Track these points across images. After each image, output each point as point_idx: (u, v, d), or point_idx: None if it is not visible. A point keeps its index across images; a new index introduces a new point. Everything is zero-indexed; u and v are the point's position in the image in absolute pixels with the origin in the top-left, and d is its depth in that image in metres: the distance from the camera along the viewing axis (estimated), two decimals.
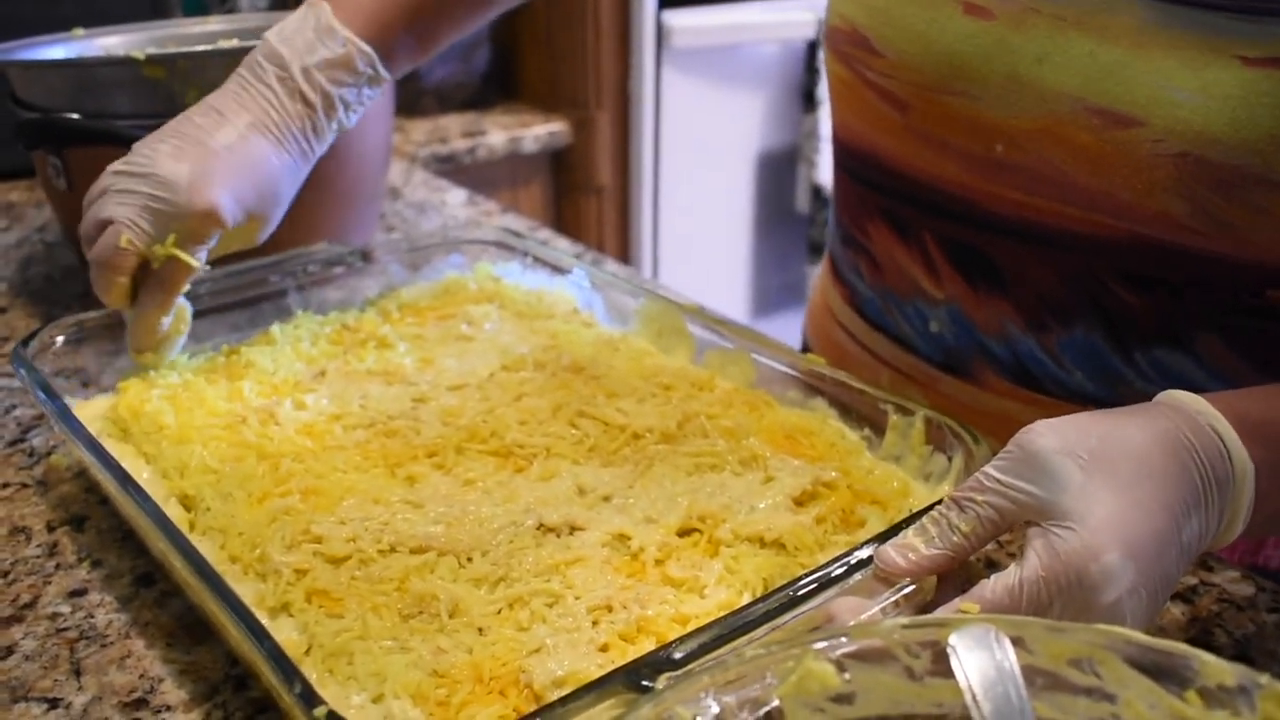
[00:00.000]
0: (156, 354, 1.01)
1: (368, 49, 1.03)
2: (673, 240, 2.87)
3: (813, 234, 3.01)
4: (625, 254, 2.84)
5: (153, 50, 1.21)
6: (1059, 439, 0.64)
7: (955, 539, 0.65)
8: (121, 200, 0.96)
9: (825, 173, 2.94)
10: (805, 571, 0.68)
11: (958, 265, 0.92)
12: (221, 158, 0.98)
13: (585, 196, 2.72)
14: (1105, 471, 0.62)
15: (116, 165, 0.98)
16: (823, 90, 2.89)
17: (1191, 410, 0.66)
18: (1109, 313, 0.85)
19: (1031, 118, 0.82)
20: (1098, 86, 0.78)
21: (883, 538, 0.68)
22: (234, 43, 1.30)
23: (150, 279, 0.98)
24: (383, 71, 1.06)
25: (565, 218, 2.73)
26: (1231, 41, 0.73)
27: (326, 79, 1.02)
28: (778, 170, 3.01)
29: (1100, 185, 0.80)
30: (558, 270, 1.17)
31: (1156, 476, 0.63)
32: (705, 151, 2.85)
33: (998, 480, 0.64)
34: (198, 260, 0.97)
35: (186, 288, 1.00)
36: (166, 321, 0.99)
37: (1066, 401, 0.90)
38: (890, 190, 0.96)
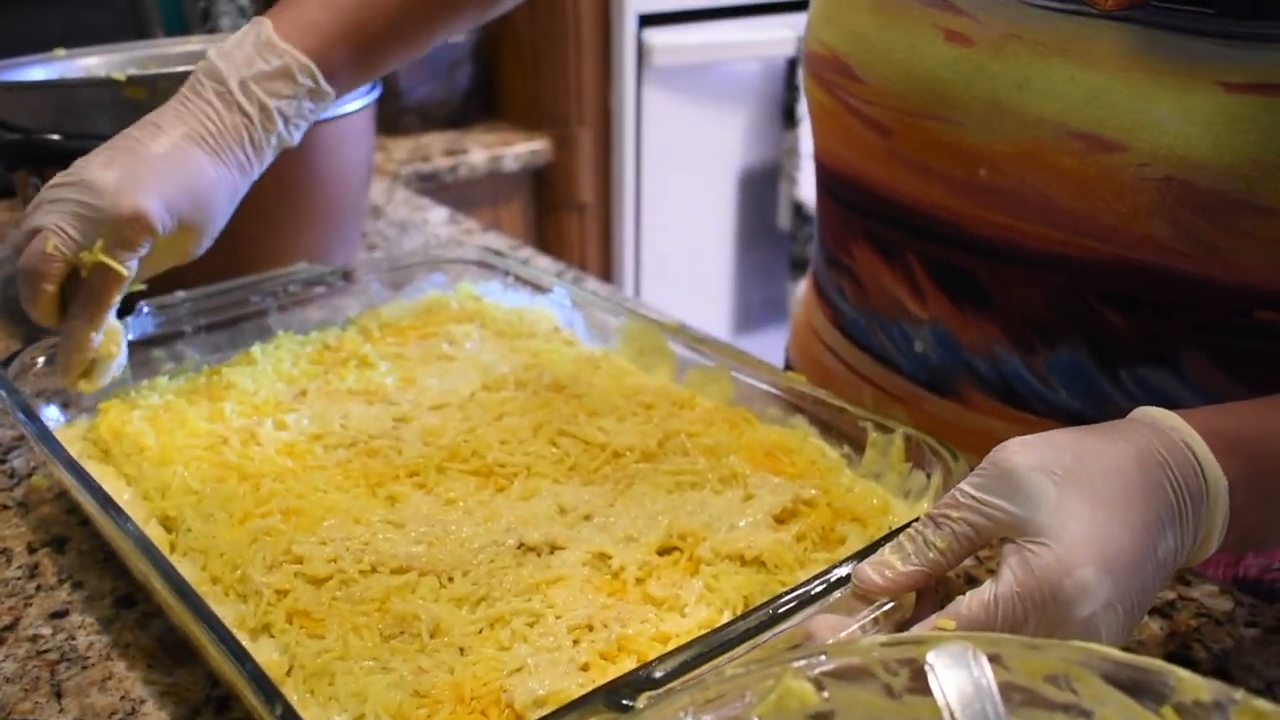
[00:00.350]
0: (89, 379, 0.98)
1: (307, 61, 1.02)
2: (655, 257, 2.88)
3: (794, 250, 3.01)
4: (608, 271, 2.84)
5: (134, 71, 1.21)
6: (1034, 456, 0.64)
7: (932, 556, 0.65)
8: (50, 209, 0.95)
9: (807, 189, 2.95)
10: (785, 590, 0.68)
11: (943, 286, 0.92)
12: (153, 165, 0.97)
13: (567, 214, 2.72)
14: (1080, 488, 0.63)
15: (52, 180, 0.97)
16: (803, 108, 2.90)
17: (1165, 426, 0.66)
18: (1094, 333, 0.85)
19: (1013, 143, 0.82)
20: (1080, 112, 0.78)
21: (862, 555, 0.69)
22: None
23: (80, 291, 0.96)
24: (324, 85, 1.05)
25: (547, 236, 2.74)
26: (1212, 67, 0.73)
27: (264, 91, 1.02)
28: (759, 187, 3.02)
29: (1084, 209, 0.81)
30: (539, 289, 1.17)
31: (1131, 493, 0.63)
32: (687, 169, 2.86)
33: (973, 497, 0.64)
34: (128, 269, 0.95)
35: (116, 301, 0.97)
36: (97, 339, 0.96)
37: (1053, 419, 0.90)
38: (874, 213, 0.96)
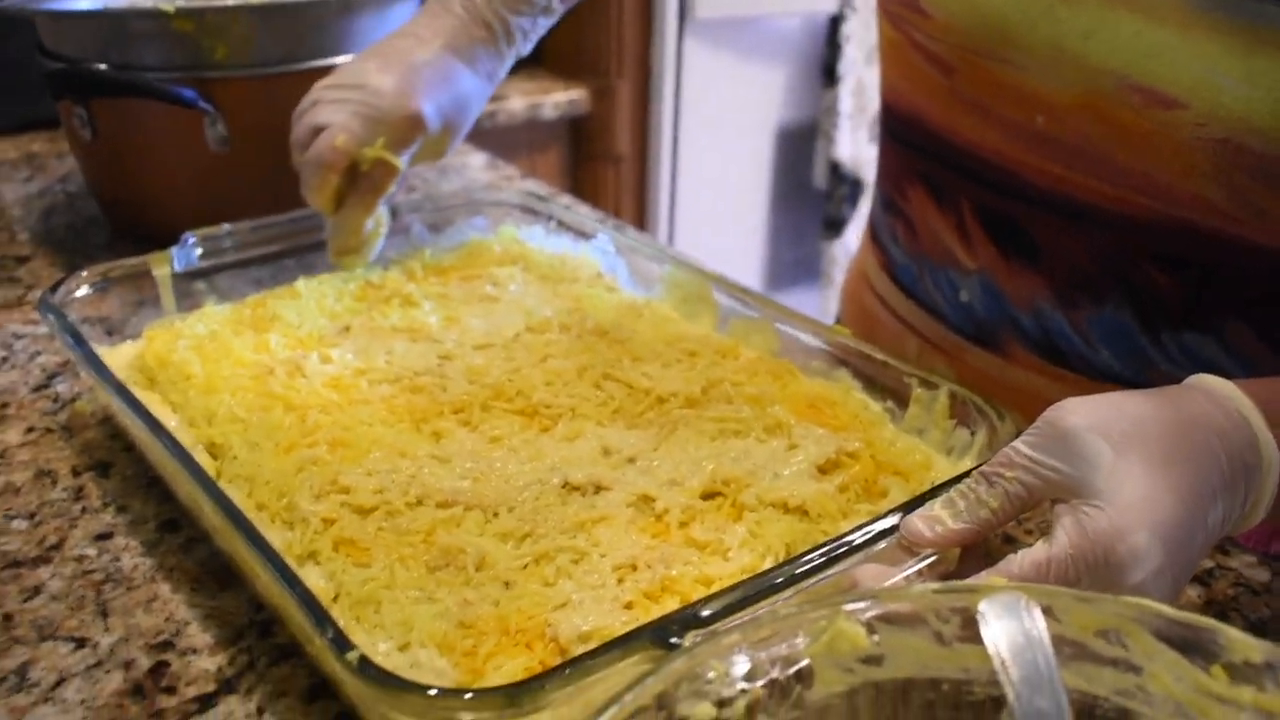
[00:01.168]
0: (359, 255, 1.11)
1: None
2: (689, 211, 2.87)
3: (829, 209, 3.01)
4: (641, 224, 2.84)
5: (182, 3, 1.21)
6: (1091, 417, 0.64)
7: (983, 514, 0.65)
8: (335, 108, 1.06)
9: (844, 149, 2.94)
10: (831, 537, 0.68)
11: (992, 235, 0.92)
12: (423, 73, 1.08)
13: (603, 165, 2.72)
14: (1137, 452, 0.62)
15: (325, 81, 1.09)
16: (844, 66, 2.89)
17: (1222, 395, 0.66)
18: (1140, 293, 0.85)
19: (1074, 92, 0.82)
20: (1142, 66, 0.78)
21: (907, 508, 0.69)
22: None
23: (360, 182, 1.08)
24: (555, 2, 1.15)
25: (582, 186, 2.73)
26: (1277, 32, 0.72)
27: (505, 8, 1.12)
28: (796, 145, 3.01)
29: (1138, 164, 0.80)
30: (581, 235, 1.17)
31: (1187, 460, 0.63)
32: (724, 124, 2.85)
33: (1028, 456, 0.64)
34: (402, 164, 1.07)
35: (391, 190, 1.09)
36: (370, 224, 1.10)
37: (1092, 380, 0.90)
38: (931, 154, 0.96)
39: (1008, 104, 0.86)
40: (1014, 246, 0.91)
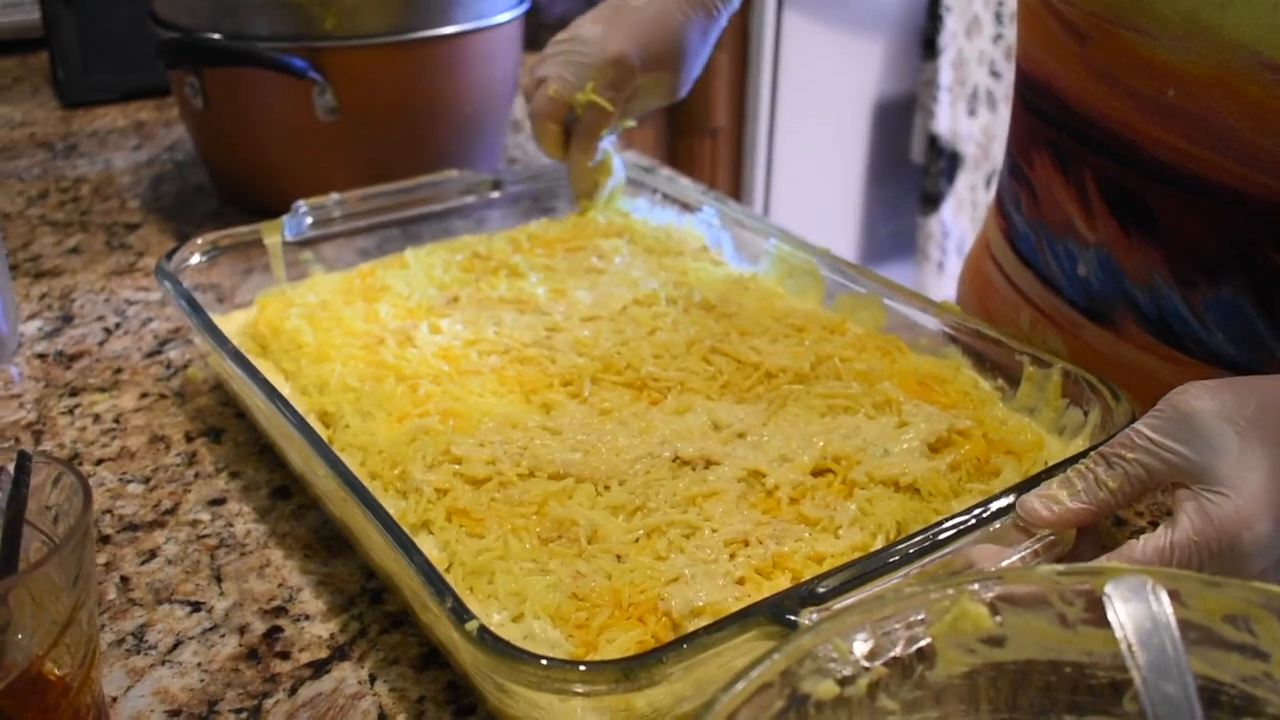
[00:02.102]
0: (590, 199, 1.19)
1: None
2: (785, 184, 2.86)
3: (926, 184, 2.98)
4: (738, 196, 2.83)
5: None
6: (1216, 403, 0.63)
7: (1101, 494, 0.64)
8: (551, 61, 1.15)
9: (942, 122, 2.91)
10: (944, 516, 0.68)
11: (1113, 207, 0.91)
12: (630, 15, 1.14)
13: (700, 137, 2.71)
14: (1263, 440, 0.61)
15: (554, 38, 1.18)
16: (944, 39, 2.86)
17: None
18: (1259, 275, 0.83)
19: (1207, 65, 0.79)
20: (1276, 41, 0.75)
21: (1021, 488, 0.68)
22: None
23: (576, 127, 1.15)
24: None
25: (679, 157, 2.73)
26: None
27: None
28: (894, 118, 2.98)
29: (1265, 143, 0.78)
30: (686, 207, 1.17)
31: None
32: (822, 96, 2.83)
33: (1150, 439, 0.63)
34: (613, 105, 1.13)
35: (609, 135, 1.17)
36: (595, 164, 1.17)
37: (1206, 363, 0.88)
38: (1059, 122, 0.94)
39: (1139, 75, 0.84)
40: (1135, 220, 0.89)
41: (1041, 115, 0.97)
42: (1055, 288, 0.98)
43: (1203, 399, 0.63)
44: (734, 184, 2.82)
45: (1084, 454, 0.68)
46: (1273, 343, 0.85)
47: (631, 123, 1.20)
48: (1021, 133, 1.02)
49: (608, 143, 1.18)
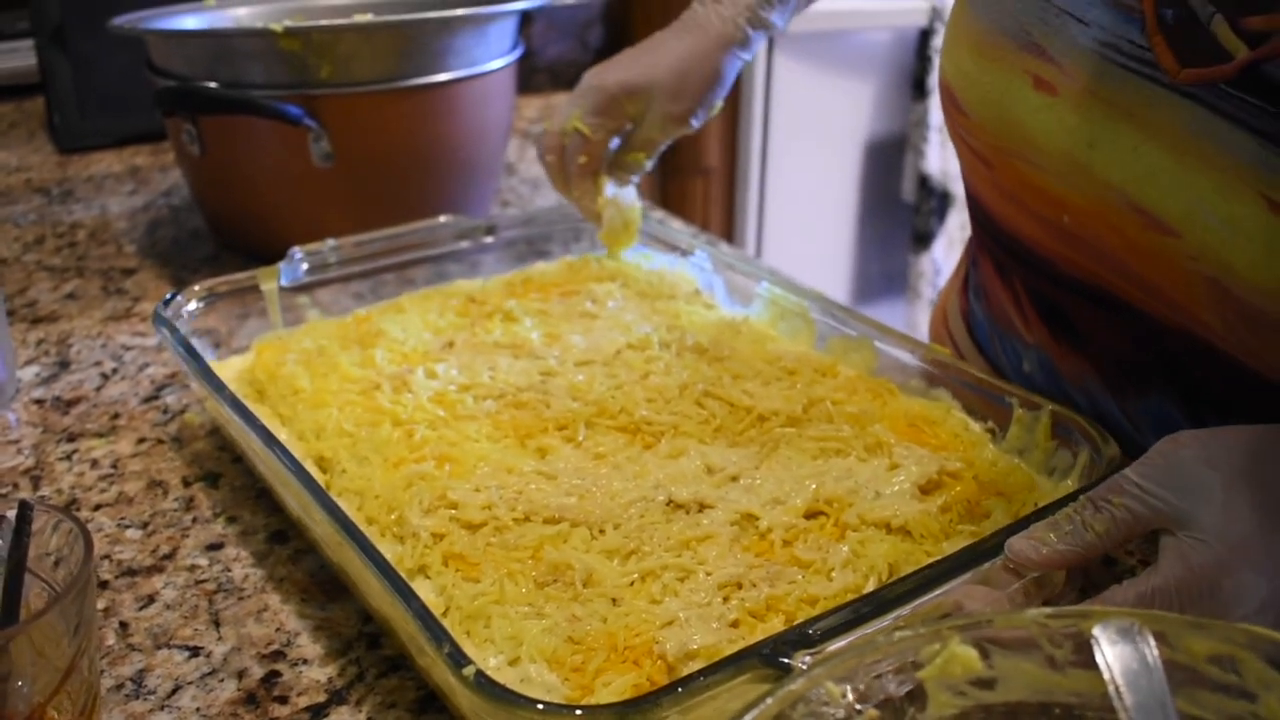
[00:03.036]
0: (613, 245, 1.19)
1: None
2: (777, 224, 2.87)
3: (917, 223, 2.99)
4: (730, 236, 2.84)
5: (289, 23, 1.23)
6: (1204, 450, 0.64)
7: (1089, 537, 0.65)
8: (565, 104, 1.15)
9: (933, 162, 2.93)
10: (935, 558, 0.69)
11: (1042, 316, 0.92)
12: (625, 53, 1.15)
13: (692, 178, 2.73)
14: (1247, 489, 0.63)
15: None
16: (933, 79, 2.88)
17: None
18: (1183, 387, 0.84)
19: (1088, 199, 0.81)
20: (1139, 186, 0.76)
21: (1011, 530, 0.69)
22: (369, 17, 1.33)
23: (564, 156, 1.15)
24: None
25: (671, 198, 2.74)
26: (1258, 176, 0.69)
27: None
28: (885, 158, 3.00)
29: (1150, 277, 0.79)
30: (677, 251, 1.18)
31: None
32: (813, 136, 2.85)
33: (1138, 485, 0.65)
34: (592, 131, 1.13)
35: (633, 178, 1.18)
36: (589, 196, 1.16)
37: None
38: (990, 232, 0.96)
39: (1038, 201, 0.86)
40: (1061, 329, 0.91)
41: (978, 224, 0.99)
42: (1004, 378, 0.99)
43: (1191, 447, 0.64)
44: (726, 223, 2.84)
45: (1072, 496, 0.69)
46: None
47: (645, 159, 1.18)
48: (974, 233, 1.04)
49: (618, 189, 1.17)
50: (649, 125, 1.14)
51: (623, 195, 1.17)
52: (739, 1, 1.12)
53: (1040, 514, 0.70)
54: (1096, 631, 0.51)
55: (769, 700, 0.47)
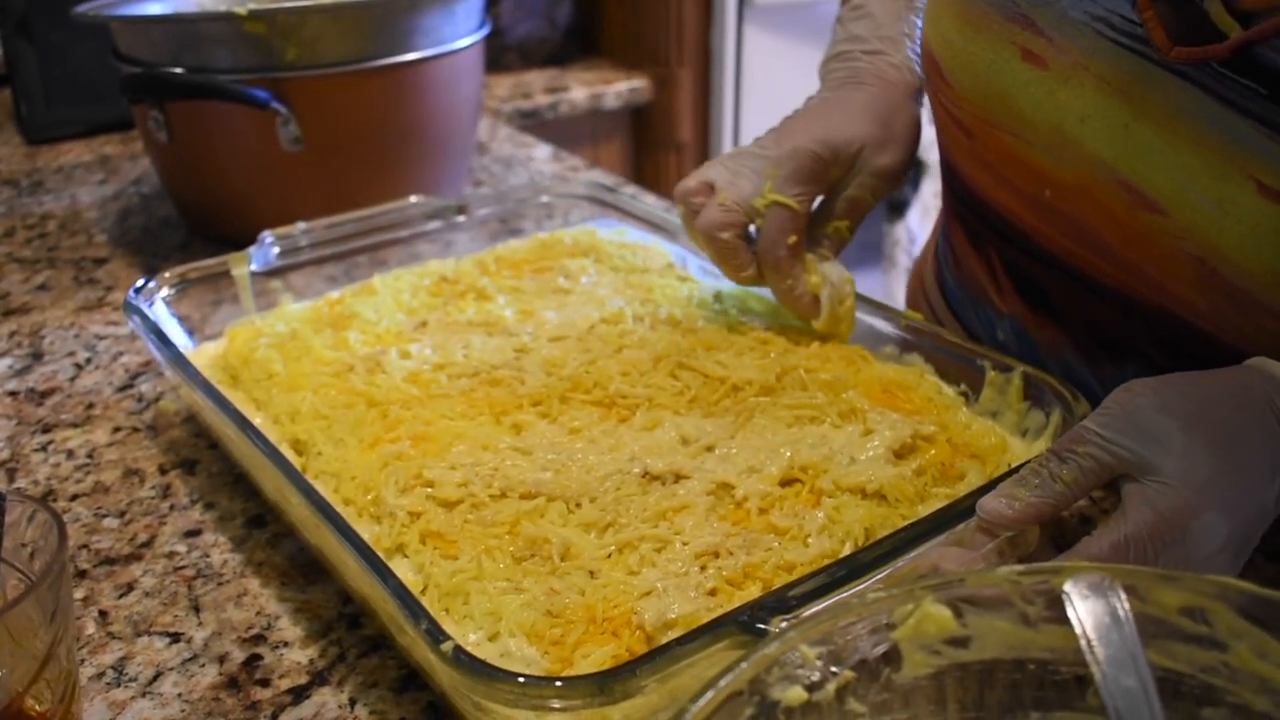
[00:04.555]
0: (835, 331, 0.96)
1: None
2: None
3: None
4: None
5: (254, 6, 1.23)
6: (1159, 399, 0.65)
7: (1057, 488, 0.66)
8: (715, 166, 0.97)
9: None
10: (910, 521, 0.69)
11: (1018, 287, 0.92)
12: (799, 117, 0.98)
13: (665, 153, 2.73)
14: (1204, 433, 0.64)
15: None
16: None
17: (1273, 372, 0.67)
18: (1158, 358, 0.84)
19: (1074, 174, 0.80)
20: (1129, 163, 0.76)
21: (984, 491, 0.69)
22: None
23: (761, 237, 0.94)
24: None
25: (645, 174, 2.74)
26: (1251, 158, 0.69)
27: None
28: None
29: (1133, 256, 0.79)
30: (651, 226, 1.18)
31: (1248, 440, 0.65)
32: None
33: (1098, 434, 0.65)
34: (800, 204, 0.93)
35: (829, 254, 0.97)
36: (801, 282, 0.95)
37: None
38: (966, 202, 0.96)
39: (1019, 174, 0.86)
40: (1038, 301, 0.91)
41: (953, 193, 0.98)
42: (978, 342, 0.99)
43: (1146, 395, 0.65)
44: None
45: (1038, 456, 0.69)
46: None
47: (849, 229, 0.98)
48: (946, 201, 1.03)
49: (823, 265, 0.96)
50: (856, 186, 0.96)
51: (832, 270, 0.96)
52: (899, 48, 1.00)
53: (1011, 474, 0.70)
54: (1068, 587, 0.51)
55: (743, 664, 0.47)
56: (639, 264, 1.12)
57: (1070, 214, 0.83)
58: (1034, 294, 0.91)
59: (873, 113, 0.96)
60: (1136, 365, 0.86)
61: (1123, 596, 0.51)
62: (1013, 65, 0.83)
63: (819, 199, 0.97)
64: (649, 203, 1.24)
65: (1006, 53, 0.83)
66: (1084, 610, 0.50)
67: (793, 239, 0.93)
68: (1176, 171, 0.73)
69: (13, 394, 1.07)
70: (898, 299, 1.09)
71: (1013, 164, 0.86)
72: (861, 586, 0.64)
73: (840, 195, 0.96)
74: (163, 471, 0.95)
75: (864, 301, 0.97)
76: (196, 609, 0.79)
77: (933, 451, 0.81)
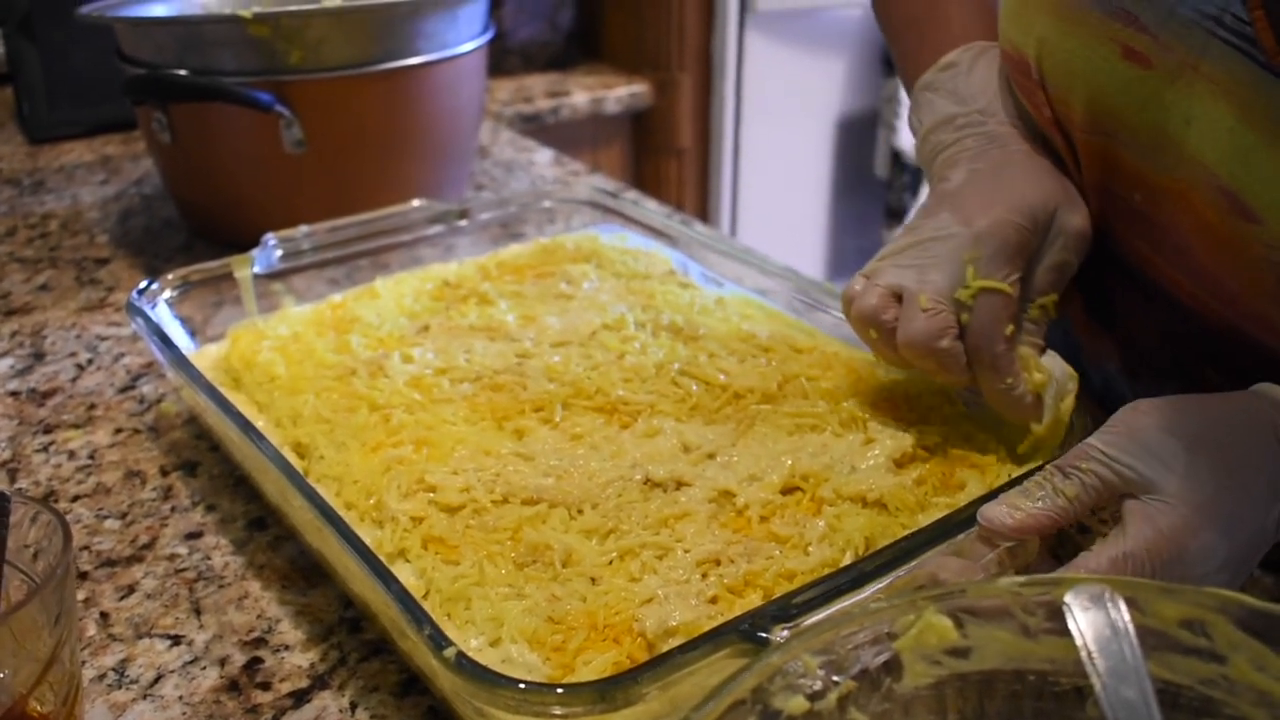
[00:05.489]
0: (1054, 432, 0.82)
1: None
2: (751, 202, 2.88)
3: (890, 199, 3.00)
4: (704, 215, 2.85)
5: (258, 9, 1.23)
6: (1163, 419, 0.66)
7: (1060, 502, 0.66)
8: (891, 270, 0.83)
9: (905, 138, 2.93)
10: (910, 530, 0.69)
11: (1083, 293, 0.91)
12: (966, 193, 0.84)
13: (666, 158, 2.73)
14: (1207, 454, 0.64)
15: (881, 253, 0.85)
16: None
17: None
18: (1213, 375, 0.84)
19: (1171, 178, 0.77)
20: (1230, 167, 0.72)
21: (984, 501, 0.70)
22: (337, 2, 1.32)
23: (970, 332, 0.80)
24: None
25: (645, 178, 2.75)
26: None
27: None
28: (857, 135, 3.00)
29: (1213, 266, 0.77)
30: (652, 231, 1.18)
31: (1250, 462, 0.65)
32: (786, 114, 2.85)
33: (1103, 453, 0.66)
34: (1012, 287, 0.80)
35: (1013, 323, 0.81)
36: (1021, 380, 0.81)
37: None
38: None
39: (1110, 175, 0.83)
40: (1095, 305, 0.90)
41: None
42: None
43: (1151, 415, 0.66)
44: (701, 202, 2.84)
45: (1040, 467, 0.69)
46: None
47: (1054, 299, 0.83)
48: None
49: (1041, 356, 0.83)
50: (1058, 251, 0.83)
51: (1055, 365, 0.82)
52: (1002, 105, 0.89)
53: (1013, 484, 0.70)
54: (1068, 598, 0.51)
55: (746, 674, 0.48)
56: (641, 270, 1.12)
57: (1158, 220, 0.80)
58: (1097, 301, 0.91)
59: (1046, 173, 0.85)
60: (1179, 386, 0.83)
61: (1123, 608, 0.51)
62: (1112, 63, 0.78)
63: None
64: (651, 208, 1.25)
65: (1105, 50, 0.78)
66: (1085, 622, 0.51)
67: (1010, 329, 0.80)
68: (1277, 177, 0.70)
69: (14, 394, 1.07)
70: None
71: (1103, 167, 0.83)
72: (862, 596, 0.64)
73: (1040, 266, 0.83)
74: (164, 473, 0.95)
75: None
76: (198, 611, 0.80)
77: (933, 461, 0.81)
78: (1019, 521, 0.66)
